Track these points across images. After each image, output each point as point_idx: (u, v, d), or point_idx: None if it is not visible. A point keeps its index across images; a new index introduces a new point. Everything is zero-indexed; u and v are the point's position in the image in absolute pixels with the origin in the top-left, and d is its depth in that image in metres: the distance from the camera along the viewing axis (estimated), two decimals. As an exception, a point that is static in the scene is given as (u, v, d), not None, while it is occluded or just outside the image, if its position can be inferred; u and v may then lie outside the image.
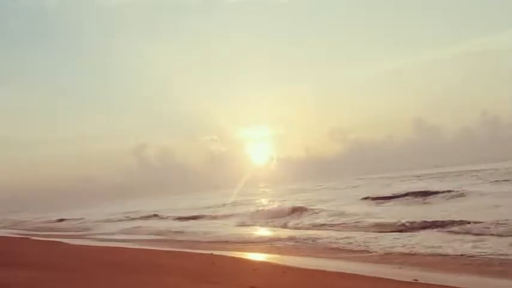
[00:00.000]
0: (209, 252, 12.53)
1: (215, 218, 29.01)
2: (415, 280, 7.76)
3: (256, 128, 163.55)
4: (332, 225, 18.20)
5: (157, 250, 14.03)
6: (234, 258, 11.49)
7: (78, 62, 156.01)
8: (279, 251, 12.87)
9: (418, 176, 45.52)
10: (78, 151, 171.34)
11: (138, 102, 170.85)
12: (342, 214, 20.46)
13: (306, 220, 20.66)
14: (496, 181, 28.88)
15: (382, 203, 25.33)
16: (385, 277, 8.03)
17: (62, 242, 19.16)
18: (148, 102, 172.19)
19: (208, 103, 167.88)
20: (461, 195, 22.78)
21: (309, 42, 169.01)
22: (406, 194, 25.98)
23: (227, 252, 12.58)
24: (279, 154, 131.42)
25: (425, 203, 22.84)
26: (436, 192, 24.68)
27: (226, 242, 16.19)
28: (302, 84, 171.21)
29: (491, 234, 12.01)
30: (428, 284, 7.47)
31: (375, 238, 13.30)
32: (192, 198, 66.05)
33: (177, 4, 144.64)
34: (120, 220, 35.45)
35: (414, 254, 10.61)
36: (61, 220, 43.00)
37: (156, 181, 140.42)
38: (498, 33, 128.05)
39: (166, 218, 32.75)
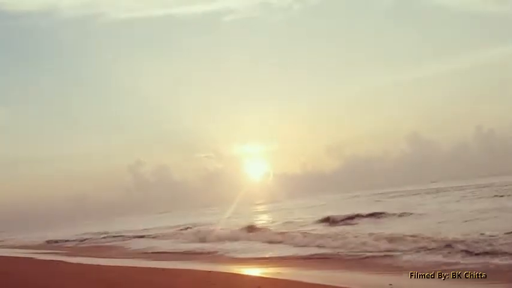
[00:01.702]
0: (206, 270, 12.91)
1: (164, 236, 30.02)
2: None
3: (252, 144, 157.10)
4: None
5: (154, 268, 14.13)
6: (231, 274, 11.86)
7: (74, 80, 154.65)
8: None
9: (411, 192, 46.44)
10: (74, 169, 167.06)
11: (134, 120, 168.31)
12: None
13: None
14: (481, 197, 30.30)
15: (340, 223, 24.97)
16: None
17: (62, 261, 19.05)
18: (144, 120, 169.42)
19: (203, 120, 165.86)
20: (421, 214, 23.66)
21: (304, 59, 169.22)
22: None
23: (223, 267, 13.03)
24: (275, 170, 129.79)
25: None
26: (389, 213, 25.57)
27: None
28: (297, 100, 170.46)
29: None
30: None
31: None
32: (171, 216, 65.30)
33: (174, 23, 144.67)
34: (115, 239, 34.93)
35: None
36: (50, 242, 41.04)
37: (152, 198, 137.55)
38: (492, 48, 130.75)
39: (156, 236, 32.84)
